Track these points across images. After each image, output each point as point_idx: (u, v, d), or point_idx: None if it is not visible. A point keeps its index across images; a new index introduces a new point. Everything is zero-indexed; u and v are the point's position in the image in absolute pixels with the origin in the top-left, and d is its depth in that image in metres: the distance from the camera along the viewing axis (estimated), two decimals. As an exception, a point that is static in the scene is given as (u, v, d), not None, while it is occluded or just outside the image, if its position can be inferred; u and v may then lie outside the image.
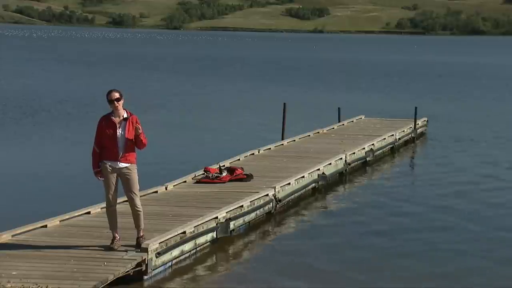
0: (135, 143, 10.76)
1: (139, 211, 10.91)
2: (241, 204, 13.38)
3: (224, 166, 16.34)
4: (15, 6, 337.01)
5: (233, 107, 35.60)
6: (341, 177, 18.61)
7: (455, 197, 16.94)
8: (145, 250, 10.44)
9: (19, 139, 24.17)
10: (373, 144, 21.02)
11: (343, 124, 25.33)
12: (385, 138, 22.19)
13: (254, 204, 13.80)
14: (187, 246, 11.54)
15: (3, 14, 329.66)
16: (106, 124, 10.72)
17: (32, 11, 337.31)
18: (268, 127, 27.05)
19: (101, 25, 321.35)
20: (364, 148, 20.32)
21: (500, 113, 34.97)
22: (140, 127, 10.69)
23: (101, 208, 12.66)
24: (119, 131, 10.67)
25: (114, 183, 10.77)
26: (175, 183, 15.18)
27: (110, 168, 10.70)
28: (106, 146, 10.69)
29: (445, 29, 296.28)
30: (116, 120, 10.72)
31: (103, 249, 10.69)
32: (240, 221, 13.24)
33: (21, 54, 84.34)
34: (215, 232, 12.35)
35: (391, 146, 22.65)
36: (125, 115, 10.76)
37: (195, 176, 15.80)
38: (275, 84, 49.49)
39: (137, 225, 10.93)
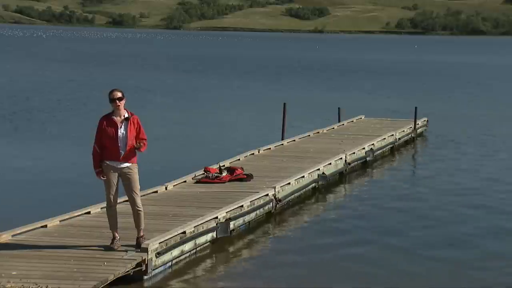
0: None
1: (140, 210, 10.90)
2: (241, 204, 13.38)
3: (224, 166, 16.34)
4: (15, 6, 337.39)
5: (233, 106, 35.59)
6: (341, 177, 18.60)
7: (455, 196, 16.95)
8: (145, 250, 10.43)
9: (19, 139, 24.15)
10: (373, 144, 21.02)
11: (343, 124, 25.32)
12: (385, 138, 22.19)
13: (254, 204, 13.79)
14: (187, 246, 11.54)
15: (3, 14, 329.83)
16: (107, 124, 10.70)
17: (32, 11, 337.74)
18: (268, 127, 27.04)
19: (101, 25, 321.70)
20: (364, 148, 20.32)
21: (500, 112, 34.95)
22: (141, 144, 10.68)
23: (101, 208, 12.66)
24: (120, 131, 10.66)
25: (115, 183, 10.76)
26: (175, 183, 15.17)
27: (112, 168, 10.69)
28: (107, 146, 10.67)
29: (445, 29, 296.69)
30: (117, 120, 10.71)
31: (103, 249, 10.68)
32: (240, 221, 13.23)
33: (20, 53, 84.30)
34: (215, 232, 12.34)
35: (391, 146, 22.65)
36: (126, 115, 10.75)
37: (195, 176, 15.80)
38: (275, 84, 49.47)
39: (138, 225, 10.93)
